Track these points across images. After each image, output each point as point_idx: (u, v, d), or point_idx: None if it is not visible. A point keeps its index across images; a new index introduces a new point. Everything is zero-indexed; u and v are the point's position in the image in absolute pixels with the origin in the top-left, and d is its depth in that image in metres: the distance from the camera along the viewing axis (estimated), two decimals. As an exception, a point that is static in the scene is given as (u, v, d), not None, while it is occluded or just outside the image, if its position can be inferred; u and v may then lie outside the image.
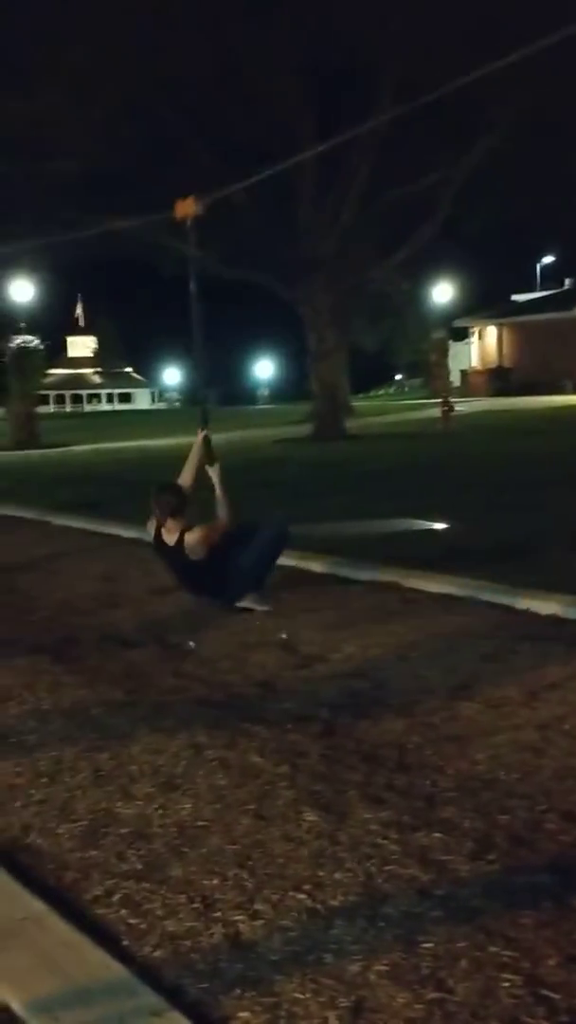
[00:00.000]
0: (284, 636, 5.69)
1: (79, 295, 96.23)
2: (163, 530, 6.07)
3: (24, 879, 3.00)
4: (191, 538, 5.98)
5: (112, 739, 4.14)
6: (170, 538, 6.05)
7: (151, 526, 6.25)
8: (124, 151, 21.03)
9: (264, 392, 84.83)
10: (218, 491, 6.36)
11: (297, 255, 23.70)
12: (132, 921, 2.79)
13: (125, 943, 2.68)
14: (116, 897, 2.92)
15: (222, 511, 6.41)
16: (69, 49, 19.10)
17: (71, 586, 7.58)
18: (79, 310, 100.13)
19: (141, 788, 3.66)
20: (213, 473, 6.61)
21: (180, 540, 6.01)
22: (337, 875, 2.95)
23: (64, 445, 27.54)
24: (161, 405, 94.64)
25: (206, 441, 6.84)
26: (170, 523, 6.04)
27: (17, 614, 6.72)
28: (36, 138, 20.74)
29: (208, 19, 19.64)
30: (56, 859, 3.17)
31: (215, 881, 2.98)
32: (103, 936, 2.70)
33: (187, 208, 7.01)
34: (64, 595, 7.27)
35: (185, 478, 6.69)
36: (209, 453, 6.68)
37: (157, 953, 2.63)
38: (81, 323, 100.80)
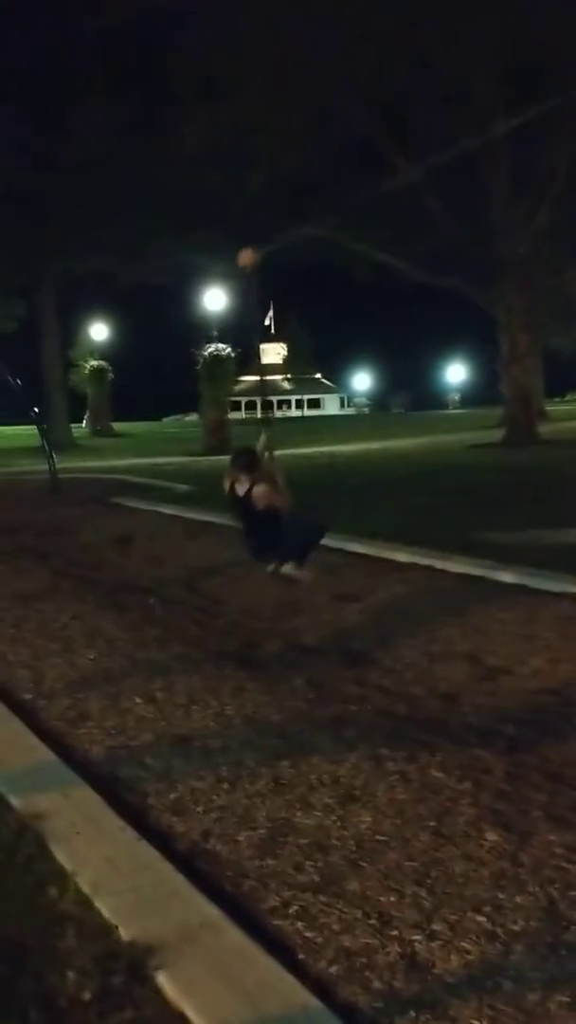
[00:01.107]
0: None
1: (270, 302, 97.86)
2: (236, 484, 7.00)
3: (202, 884, 3.04)
4: (257, 490, 6.89)
5: (293, 747, 4.16)
6: (241, 489, 6.96)
7: (227, 481, 7.16)
8: (318, 158, 21.27)
9: (455, 397, 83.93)
10: (279, 480, 7.10)
11: (491, 257, 23.33)
12: (308, 934, 2.79)
13: (300, 956, 2.68)
14: (292, 909, 2.92)
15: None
16: (266, 59, 19.47)
17: (255, 592, 7.65)
18: (269, 317, 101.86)
19: (320, 799, 3.66)
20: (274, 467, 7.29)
21: (249, 491, 6.90)
22: (518, 898, 2.87)
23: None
24: (350, 410, 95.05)
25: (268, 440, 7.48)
26: (243, 477, 6.96)
27: (204, 618, 6.85)
28: (234, 148, 21.25)
29: (403, 22, 19.60)
30: (234, 866, 3.20)
31: (392, 898, 2.94)
32: (278, 948, 2.70)
33: (247, 258, 7.49)
34: (248, 601, 7.35)
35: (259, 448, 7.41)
36: (270, 448, 7.33)
37: (332, 969, 2.61)
38: (272, 330, 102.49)
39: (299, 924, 2.84)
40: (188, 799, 3.72)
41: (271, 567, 6.91)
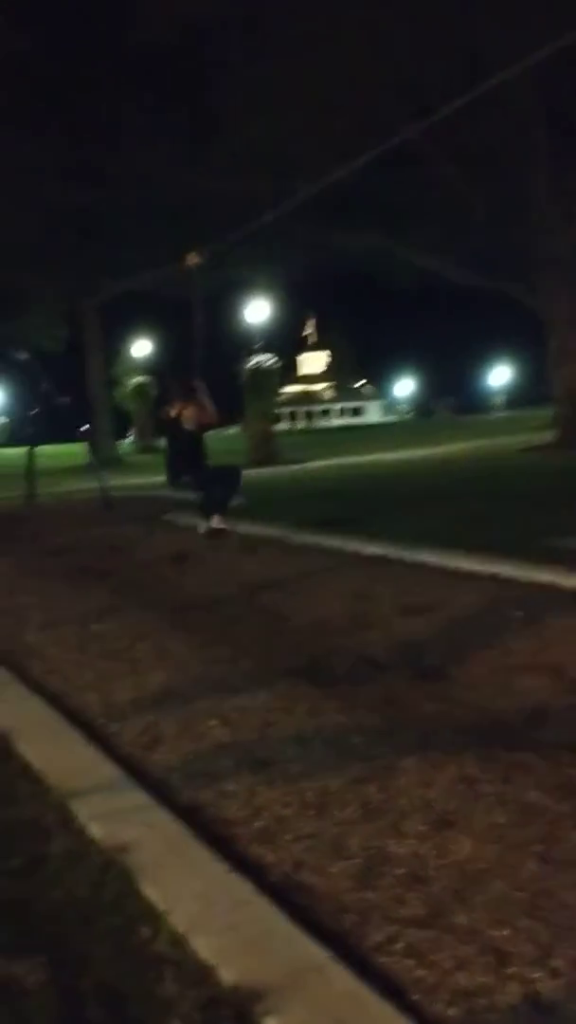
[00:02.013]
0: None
1: (311, 312, 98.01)
2: (170, 410, 8.34)
3: (301, 920, 2.91)
4: (187, 412, 8.28)
5: (378, 770, 4.01)
6: (172, 411, 8.34)
7: (163, 412, 8.66)
8: (361, 165, 21.17)
9: (499, 400, 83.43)
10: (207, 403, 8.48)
11: (536, 257, 23.09)
12: (419, 973, 2.64)
13: (414, 997, 2.53)
14: (399, 945, 2.77)
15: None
16: (308, 68, 19.44)
17: (318, 606, 7.54)
18: (310, 327, 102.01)
19: (413, 825, 3.51)
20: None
21: (179, 414, 8.30)
22: None
23: (299, 462, 27.94)
24: (392, 417, 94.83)
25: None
26: (177, 404, 8.35)
27: (268, 635, 6.72)
28: (277, 158, 21.22)
29: (447, 27, 19.48)
30: (332, 900, 3.06)
31: (505, 932, 2.79)
32: (389, 989, 2.56)
33: (192, 259, 8.79)
34: (312, 615, 7.23)
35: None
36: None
37: (450, 1011, 2.46)
38: (311, 340, 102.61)
39: (408, 962, 2.69)
40: (275, 827, 3.58)
41: (201, 529, 8.60)
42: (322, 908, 3.02)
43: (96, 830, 3.54)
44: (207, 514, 8.75)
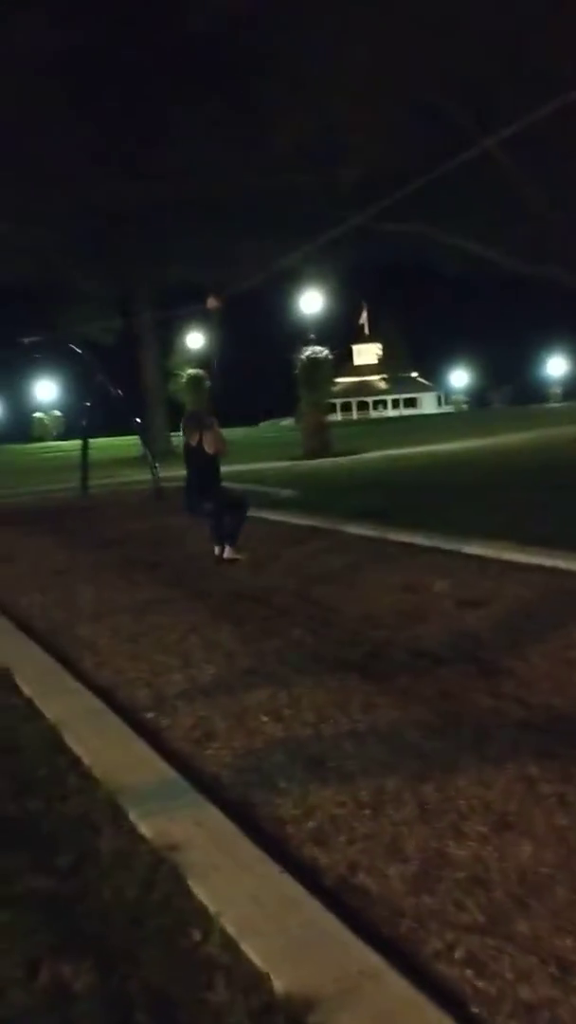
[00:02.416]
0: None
1: (363, 303, 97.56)
2: (190, 439, 9.14)
3: (356, 925, 2.81)
4: (207, 437, 9.02)
5: (435, 768, 3.90)
6: (193, 439, 9.07)
7: (185, 438, 9.31)
8: (409, 153, 20.94)
9: (556, 390, 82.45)
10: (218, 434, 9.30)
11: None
12: (479, 984, 2.53)
13: (475, 1010, 2.43)
14: (458, 953, 2.67)
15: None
16: (355, 55, 19.25)
17: (372, 598, 7.43)
18: (363, 317, 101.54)
19: (473, 826, 3.39)
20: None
21: (200, 440, 9.01)
22: None
23: (354, 453, 27.76)
24: (448, 408, 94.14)
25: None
26: (194, 433, 9.11)
27: (320, 627, 6.62)
28: (324, 146, 21.05)
29: (493, 12, 19.17)
30: (388, 904, 2.96)
31: (568, 941, 2.67)
32: (448, 999, 2.45)
33: (213, 303, 9.55)
34: (365, 608, 7.11)
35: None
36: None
37: (512, 1025, 2.35)
38: (366, 330, 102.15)
39: (468, 972, 2.59)
40: (329, 827, 3.48)
41: (216, 553, 9.08)
42: (377, 913, 2.92)
43: (146, 828, 3.48)
44: (219, 542, 9.31)
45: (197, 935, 2.79)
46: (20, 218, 28.46)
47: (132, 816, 3.59)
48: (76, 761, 4.21)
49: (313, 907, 2.90)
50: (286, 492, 16.31)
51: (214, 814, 3.56)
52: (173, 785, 3.87)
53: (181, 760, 4.20)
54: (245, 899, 2.94)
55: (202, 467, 9.10)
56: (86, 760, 4.20)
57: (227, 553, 9.26)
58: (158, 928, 2.84)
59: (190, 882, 3.08)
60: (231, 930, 2.79)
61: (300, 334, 29.32)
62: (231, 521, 9.35)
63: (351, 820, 3.52)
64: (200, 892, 3.01)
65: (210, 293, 9.55)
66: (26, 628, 7.16)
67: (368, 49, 19.16)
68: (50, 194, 27.16)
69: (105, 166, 26.21)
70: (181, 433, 9.79)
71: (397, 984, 2.50)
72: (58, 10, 22.70)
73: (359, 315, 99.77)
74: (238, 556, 9.28)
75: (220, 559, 9.23)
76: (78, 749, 4.33)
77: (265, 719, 4.66)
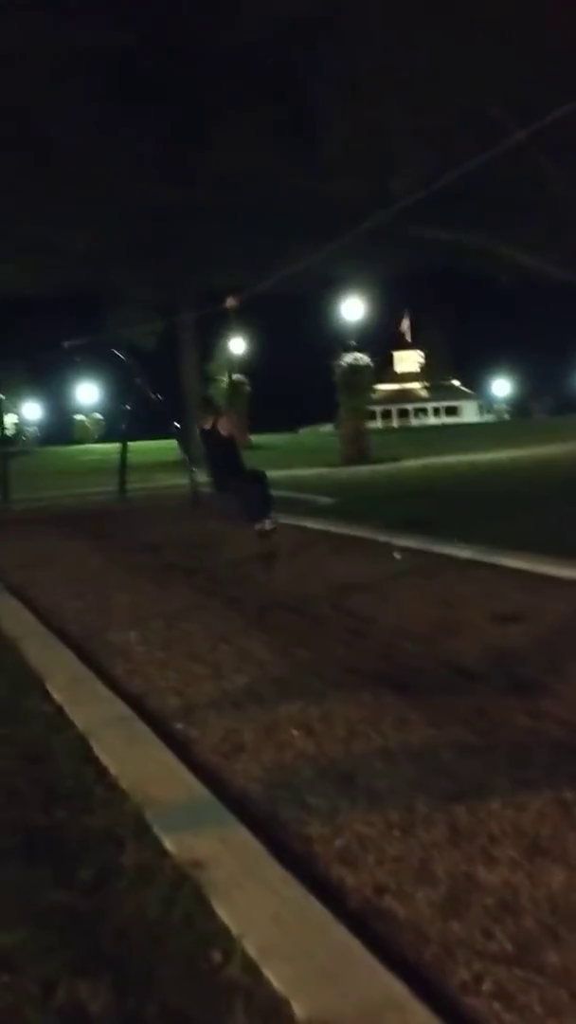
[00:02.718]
0: None
1: (405, 310, 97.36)
2: (204, 424, 8.98)
3: (380, 950, 2.74)
4: (221, 421, 8.87)
5: (467, 789, 3.82)
6: (207, 424, 8.91)
7: (198, 425, 9.24)
8: (459, 162, 20.84)
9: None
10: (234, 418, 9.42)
11: None
12: (507, 1017, 2.46)
13: (501, 1046, 2.35)
14: (486, 985, 2.59)
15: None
16: (405, 62, 19.19)
17: (407, 610, 7.35)
18: (405, 324, 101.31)
19: (504, 851, 3.31)
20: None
21: (215, 424, 8.82)
22: None
23: (393, 460, 27.68)
24: (489, 417, 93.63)
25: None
26: (208, 417, 9.00)
27: (354, 639, 6.55)
28: (374, 155, 21.01)
29: (544, 19, 19.03)
30: (414, 929, 2.89)
31: (601, 976, 2.59)
32: (474, 1034, 2.38)
33: (231, 302, 9.22)
34: (400, 620, 7.04)
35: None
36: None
37: (540, 1065, 2.27)
38: (408, 338, 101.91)
39: (495, 1004, 2.51)
40: (357, 847, 3.42)
41: (258, 528, 8.91)
42: (404, 938, 2.85)
43: (170, 842, 3.43)
44: (255, 518, 9.05)
45: (218, 957, 2.74)
46: (71, 224, 28.65)
47: (157, 830, 3.54)
48: (103, 772, 4.17)
49: (338, 931, 2.83)
50: (324, 500, 16.26)
51: (240, 831, 3.50)
52: (199, 799, 3.82)
53: (209, 773, 4.15)
54: (268, 920, 2.88)
55: (224, 449, 9.08)
56: (113, 771, 4.16)
57: (268, 524, 9.06)
58: (179, 948, 2.79)
59: (213, 901, 3.02)
60: (253, 952, 2.73)
61: (341, 340, 29.27)
62: (259, 494, 9.24)
63: (380, 840, 3.45)
64: (223, 911, 2.96)
65: (229, 293, 9.59)
66: (60, 633, 7.15)
67: (419, 55, 19.09)
68: (100, 199, 27.30)
69: (151, 169, 26.32)
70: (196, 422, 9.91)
71: (421, 1015, 2.43)
72: (112, 14, 22.81)
73: (400, 322, 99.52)
74: (276, 524, 9.18)
75: (263, 533, 9.08)
76: (106, 759, 4.30)
77: (295, 733, 4.60)
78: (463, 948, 2.77)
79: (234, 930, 2.84)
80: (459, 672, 5.54)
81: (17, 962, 2.76)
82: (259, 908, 2.95)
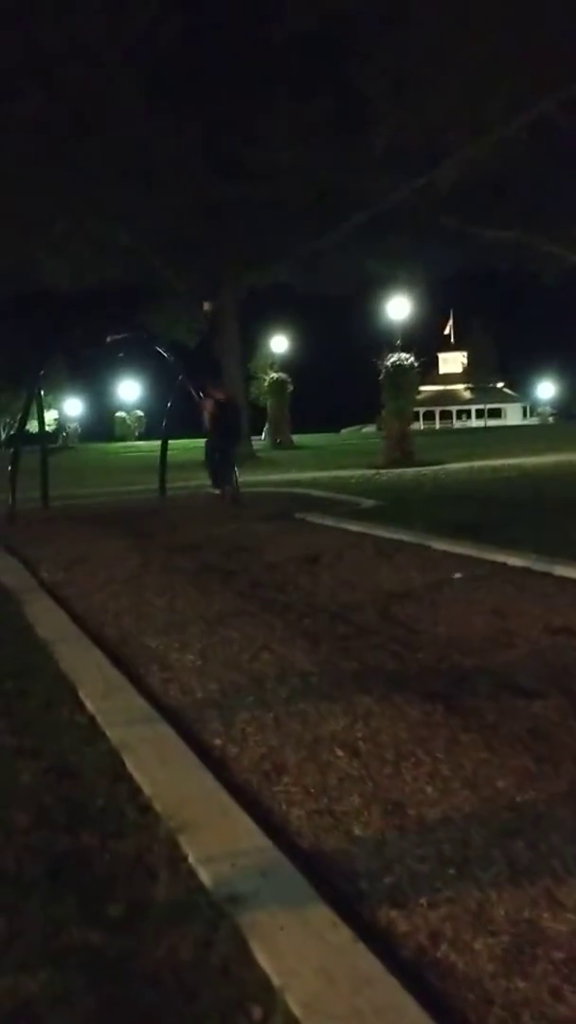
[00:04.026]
0: None
1: (451, 310, 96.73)
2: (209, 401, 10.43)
3: (437, 1009, 2.48)
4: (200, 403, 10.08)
5: (527, 821, 3.54)
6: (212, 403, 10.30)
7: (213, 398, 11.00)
8: (510, 155, 20.49)
9: None
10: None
11: None
12: None
13: None
14: (556, 1058, 2.32)
15: None
16: (459, 56, 18.90)
17: (457, 620, 7.06)
18: (449, 326, 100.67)
19: (572, 895, 3.03)
20: None
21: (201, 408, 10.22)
22: None
23: (437, 463, 27.33)
24: (534, 420, 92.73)
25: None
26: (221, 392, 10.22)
27: (401, 650, 6.28)
28: (423, 147, 20.75)
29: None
30: (475, 986, 2.62)
31: None
32: None
33: (207, 305, 9.04)
34: (450, 630, 6.76)
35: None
36: None
37: None
38: (452, 339, 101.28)
39: None
40: (409, 887, 3.15)
41: (223, 497, 9.68)
42: (462, 996, 2.59)
43: (206, 875, 3.19)
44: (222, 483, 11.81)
45: (258, 1013, 2.49)
46: (115, 217, 28.60)
47: (192, 860, 3.30)
48: (136, 791, 3.95)
49: (389, 985, 2.58)
50: (368, 502, 16.00)
51: (282, 863, 3.25)
52: (238, 826, 3.57)
53: (248, 796, 3.91)
54: (313, 971, 2.63)
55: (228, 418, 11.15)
56: (147, 791, 3.93)
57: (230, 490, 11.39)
58: (214, 1002, 2.54)
59: (252, 944, 2.78)
60: (296, 1009, 2.48)
61: (387, 340, 28.97)
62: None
63: (434, 880, 3.18)
64: (263, 959, 2.71)
65: (206, 299, 10.21)
66: (95, 636, 6.95)
67: (471, 48, 18.79)
68: (148, 192, 27.22)
69: (196, 162, 26.20)
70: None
71: None
72: (164, 4, 22.72)
73: (445, 323, 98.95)
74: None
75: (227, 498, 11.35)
76: (139, 778, 4.07)
77: (340, 753, 4.35)
78: (529, 1010, 2.51)
79: (276, 981, 2.59)
80: (514, 689, 5.26)
81: (38, 1010, 2.52)
82: (304, 956, 2.70)
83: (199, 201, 27.15)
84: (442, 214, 21.26)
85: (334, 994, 2.53)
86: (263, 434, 50.99)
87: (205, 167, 26.17)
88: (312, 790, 3.96)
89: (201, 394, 15.31)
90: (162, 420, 21.29)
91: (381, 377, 28.08)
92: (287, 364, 49.03)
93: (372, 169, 23.24)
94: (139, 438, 77.18)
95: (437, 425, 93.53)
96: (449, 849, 3.39)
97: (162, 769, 4.16)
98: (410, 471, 24.96)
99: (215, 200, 27.04)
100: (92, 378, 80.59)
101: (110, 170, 25.88)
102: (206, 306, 9.55)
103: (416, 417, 62.63)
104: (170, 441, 20.67)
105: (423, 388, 74.75)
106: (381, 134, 21.35)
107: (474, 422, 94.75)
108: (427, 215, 22.05)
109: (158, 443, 22.28)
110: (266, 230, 28.20)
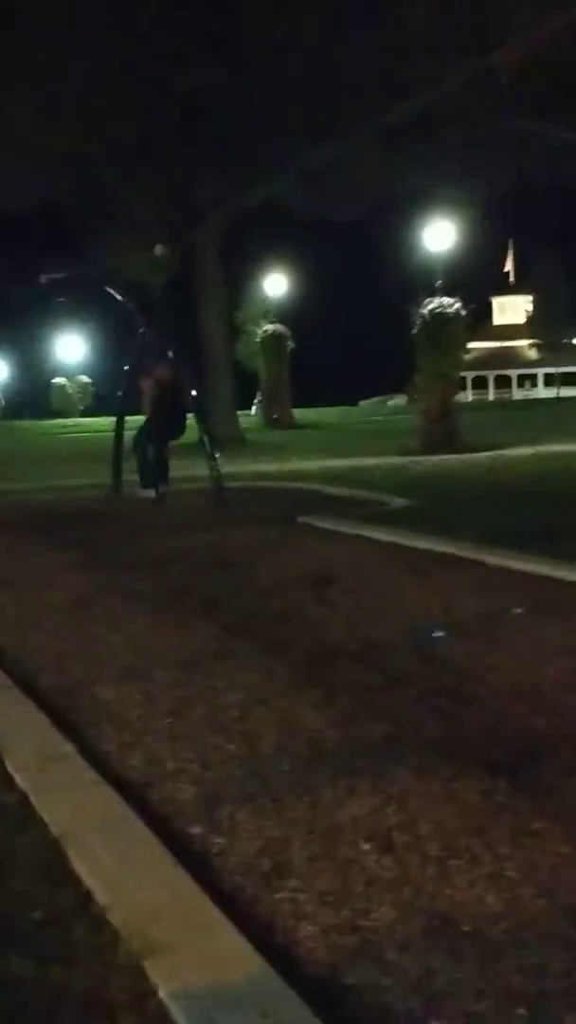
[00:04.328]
0: None
1: (510, 240, 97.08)
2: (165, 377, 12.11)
3: None
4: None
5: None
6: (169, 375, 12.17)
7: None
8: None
9: None
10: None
11: None
12: None
13: None
14: None
15: None
16: None
17: (526, 664, 7.12)
18: (509, 262, 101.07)
19: None
20: None
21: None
22: None
23: (492, 448, 27.48)
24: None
25: None
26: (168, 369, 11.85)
27: (448, 706, 6.32)
28: (472, 25, 20.90)
29: None
30: None
31: None
32: None
33: (159, 249, 10.29)
34: (517, 678, 6.81)
35: None
36: None
37: None
38: (511, 278, 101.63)
39: None
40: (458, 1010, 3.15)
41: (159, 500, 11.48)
42: None
43: (183, 1017, 3.16)
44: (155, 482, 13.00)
45: None
46: (51, 114, 28.56)
47: (163, 994, 3.29)
48: (86, 899, 3.95)
49: None
50: (399, 501, 16.11)
51: (287, 1000, 3.23)
52: (226, 946, 3.56)
53: (240, 905, 3.91)
54: None
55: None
56: (100, 898, 3.93)
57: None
58: None
59: None
60: None
61: (424, 280, 29.04)
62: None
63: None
64: None
65: (161, 242, 10.41)
66: (28, 686, 7.03)
67: None
68: (97, 73, 27.16)
69: (160, 46, 26.24)
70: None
71: None
72: None
73: (504, 258, 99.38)
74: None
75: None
76: (91, 880, 4.07)
77: (366, 847, 4.35)
78: None
79: None
80: (604, 760, 5.29)
81: None
82: None
83: (167, 88, 27.21)
84: (501, 110, 21.38)
85: None
86: (253, 409, 51.22)
87: (175, 39, 26.21)
88: (329, 898, 3.96)
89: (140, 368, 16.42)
90: (115, 390, 21.37)
91: (415, 331, 28.20)
92: (286, 313, 49.20)
93: (399, 49, 23.32)
94: (84, 413, 77.47)
95: (491, 395, 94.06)
96: (519, 982, 3.37)
97: (121, 868, 4.17)
98: (454, 459, 25.10)
99: (189, 87, 27.12)
100: (20, 332, 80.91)
101: (43, 39, 25.85)
102: (159, 249, 9.65)
103: (463, 385, 62.93)
104: (127, 418, 20.73)
105: (472, 345, 75.06)
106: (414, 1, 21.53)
107: (542, 391, 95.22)
108: (481, 111, 22.15)
109: (110, 421, 22.38)
110: (259, 128, 28.26)
